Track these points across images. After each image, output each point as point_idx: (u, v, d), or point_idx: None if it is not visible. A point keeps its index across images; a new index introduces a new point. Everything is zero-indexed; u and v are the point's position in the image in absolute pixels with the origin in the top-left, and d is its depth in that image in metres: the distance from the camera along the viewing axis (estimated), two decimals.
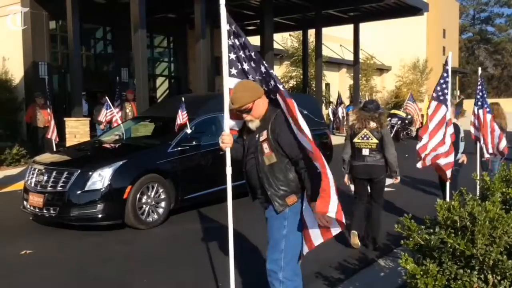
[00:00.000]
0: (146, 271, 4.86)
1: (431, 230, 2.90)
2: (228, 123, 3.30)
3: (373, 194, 5.52)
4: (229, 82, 3.27)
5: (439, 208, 2.99)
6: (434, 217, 3.11)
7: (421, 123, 19.44)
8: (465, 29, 66.71)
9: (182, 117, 7.09)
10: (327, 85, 30.19)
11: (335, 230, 3.03)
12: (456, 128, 6.13)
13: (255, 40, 22.70)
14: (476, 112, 7.00)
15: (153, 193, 6.60)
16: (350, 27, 21.29)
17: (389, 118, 17.64)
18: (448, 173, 5.59)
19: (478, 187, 4.61)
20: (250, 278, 4.41)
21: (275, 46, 20.75)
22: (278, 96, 3.09)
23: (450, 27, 46.57)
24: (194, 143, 7.05)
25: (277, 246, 3.12)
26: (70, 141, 12.22)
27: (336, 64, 32.66)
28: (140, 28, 11.39)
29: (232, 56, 3.27)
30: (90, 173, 6.22)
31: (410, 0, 18.62)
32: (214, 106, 7.46)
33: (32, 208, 6.46)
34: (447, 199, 5.48)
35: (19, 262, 5.22)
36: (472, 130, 7.12)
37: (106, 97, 11.12)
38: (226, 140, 3.19)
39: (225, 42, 3.23)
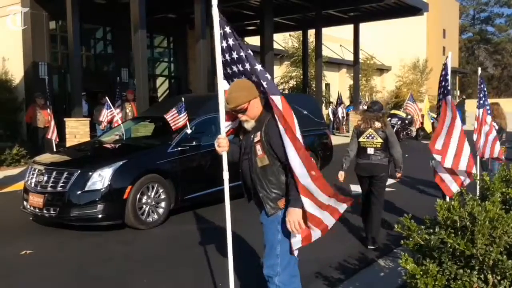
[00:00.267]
0: (146, 271, 4.86)
1: (431, 230, 2.90)
2: (224, 126, 3.27)
3: (374, 193, 5.63)
4: (223, 84, 3.26)
5: (439, 208, 2.99)
6: (434, 217, 3.11)
7: (421, 123, 19.45)
8: (465, 29, 66.73)
9: (180, 117, 7.08)
10: (327, 85, 30.20)
11: (315, 235, 3.05)
12: None
13: (255, 40, 22.75)
14: (477, 113, 6.96)
15: (153, 193, 6.60)
16: (350, 27, 21.29)
17: (389, 118, 17.63)
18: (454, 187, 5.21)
19: (478, 187, 4.61)
20: (249, 280, 4.41)
21: (275, 46, 20.76)
22: (270, 101, 3.03)
23: (450, 27, 46.59)
24: (194, 143, 7.05)
25: (273, 251, 3.09)
26: (70, 142, 12.22)
27: (336, 64, 32.66)
28: (140, 28, 11.39)
29: (227, 58, 3.24)
30: (90, 173, 6.22)
31: (410, 0, 18.62)
32: (214, 106, 7.39)
33: (32, 208, 6.46)
34: (447, 199, 5.48)
35: (19, 262, 5.22)
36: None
37: (106, 97, 11.12)
38: (223, 144, 3.16)
39: (218, 45, 3.19)
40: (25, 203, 6.64)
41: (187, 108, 7.13)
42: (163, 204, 6.72)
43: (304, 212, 2.95)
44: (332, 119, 24.12)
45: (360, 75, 24.58)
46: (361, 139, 5.61)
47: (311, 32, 21.83)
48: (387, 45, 38.93)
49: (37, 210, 6.39)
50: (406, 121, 19.42)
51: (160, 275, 4.76)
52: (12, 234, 6.32)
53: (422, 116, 19.51)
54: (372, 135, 5.55)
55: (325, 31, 21.54)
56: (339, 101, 24.79)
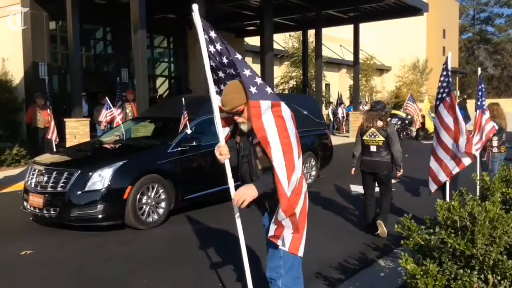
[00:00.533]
0: (146, 271, 4.86)
1: (431, 230, 2.90)
2: (222, 133, 3.19)
3: (381, 189, 6.11)
4: (214, 91, 3.20)
5: (439, 208, 2.99)
6: (434, 217, 3.11)
7: (421, 123, 19.46)
8: (465, 29, 66.73)
9: (183, 118, 7.10)
10: (327, 85, 30.21)
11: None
12: None
13: (255, 41, 22.76)
14: (476, 114, 6.97)
15: (153, 194, 6.60)
16: (350, 27, 21.28)
17: (389, 119, 17.63)
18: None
19: (478, 187, 4.61)
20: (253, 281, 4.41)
21: (275, 46, 20.75)
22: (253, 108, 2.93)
23: (450, 27, 46.60)
24: (194, 143, 7.05)
25: (276, 253, 3.05)
26: (70, 142, 12.21)
27: (336, 64, 32.68)
28: (140, 29, 11.38)
29: (217, 63, 3.18)
30: (90, 173, 6.22)
31: (410, 0, 18.61)
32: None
33: (32, 208, 6.46)
34: (447, 199, 5.48)
35: (19, 263, 5.22)
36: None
37: (106, 98, 11.13)
38: (224, 152, 3.08)
39: (204, 50, 3.12)
40: (25, 203, 6.64)
41: (187, 109, 7.12)
42: (163, 204, 6.72)
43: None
44: (332, 119, 24.13)
45: (360, 75, 24.58)
46: (364, 138, 5.99)
47: (311, 32, 21.83)
48: (387, 45, 38.96)
49: (37, 210, 6.39)
50: (406, 121, 19.44)
51: (160, 275, 4.76)
52: (12, 234, 6.32)
53: (422, 116, 19.54)
54: (374, 134, 5.90)
55: (325, 31, 21.53)
56: (340, 101, 24.81)
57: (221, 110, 3.18)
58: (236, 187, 3.29)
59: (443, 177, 5.66)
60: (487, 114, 7.08)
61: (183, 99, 7.28)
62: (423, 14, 20.83)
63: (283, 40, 27.19)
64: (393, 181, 6.01)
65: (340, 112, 24.24)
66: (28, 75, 15.12)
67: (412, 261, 2.65)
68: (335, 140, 15.86)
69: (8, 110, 14.81)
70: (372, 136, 5.92)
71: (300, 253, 3.00)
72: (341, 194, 8.79)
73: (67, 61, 16.27)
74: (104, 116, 10.69)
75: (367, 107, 26.33)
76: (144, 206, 6.49)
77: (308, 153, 9.37)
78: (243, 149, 3.17)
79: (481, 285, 2.56)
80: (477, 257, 2.59)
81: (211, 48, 3.15)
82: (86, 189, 6.18)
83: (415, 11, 19.90)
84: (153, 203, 6.60)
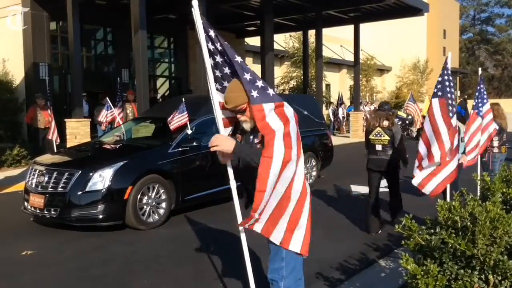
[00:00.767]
0: (146, 271, 4.87)
1: (432, 231, 2.90)
2: (223, 131, 3.17)
3: (390, 186, 6.36)
4: (216, 93, 3.18)
5: (439, 209, 2.99)
6: (435, 217, 3.11)
7: (422, 123, 19.46)
8: (465, 29, 66.72)
9: (181, 117, 7.09)
10: (328, 85, 30.22)
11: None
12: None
13: (255, 41, 22.77)
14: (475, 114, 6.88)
15: (153, 194, 6.61)
16: (351, 27, 21.29)
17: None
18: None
19: (478, 187, 4.61)
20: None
21: (276, 46, 20.75)
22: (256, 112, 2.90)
23: (451, 27, 46.60)
24: (194, 143, 7.06)
25: (279, 254, 3.03)
26: (70, 142, 12.22)
27: (336, 64, 32.70)
28: (140, 29, 11.39)
29: (217, 60, 3.16)
30: (91, 173, 6.23)
31: (410, 1, 18.62)
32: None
33: (33, 209, 6.47)
34: (448, 199, 5.48)
35: (20, 263, 5.22)
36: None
37: (107, 98, 11.13)
38: (226, 154, 3.03)
39: (204, 46, 3.10)
40: (26, 203, 6.65)
41: (187, 109, 7.13)
42: (163, 204, 6.72)
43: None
44: (332, 119, 24.14)
45: (360, 76, 24.60)
46: (370, 137, 6.21)
47: (312, 33, 21.84)
48: (388, 45, 38.97)
49: (38, 211, 6.39)
50: (407, 122, 19.43)
51: (160, 276, 4.76)
52: (13, 235, 6.32)
53: (423, 116, 19.53)
54: (380, 133, 6.12)
55: (326, 31, 21.54)
56: (340, 102, 24.82)
57: (223, 108, 3.18)
58: (237, 188, 3.29)
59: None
60: (488, 117, 6.98)
61: (183, 99, 7.29)
62: (423, 14, 20.83)
63: (283, 41, 27.21)
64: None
65: (341, 112, 24.25)
66: (28, 76, 15.13)
67: (412, 261, 2.65)
68: (336, 140, 15.86)
69: (8, 110, 14.82)
70: (378, 135, 6.13)
71: (297, 249, 2.97)
72: (342, 195, 8.79)
73: (67, 61, 16.28)
74: (104, 116, 10.69)
75: (367, 107, 26.43)
76: (145, 207, 6.49)
77: (308, 154, 9.37)
78: None
79: (481, 285, 2.56)
80: (478, 257, 2.59)
81: (211, 46, 3.13)
82: (87, 189, 6.18)
83: (415, 11, 19.91)
84: (154, 203, 6.60)
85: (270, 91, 2.92)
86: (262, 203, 2.81)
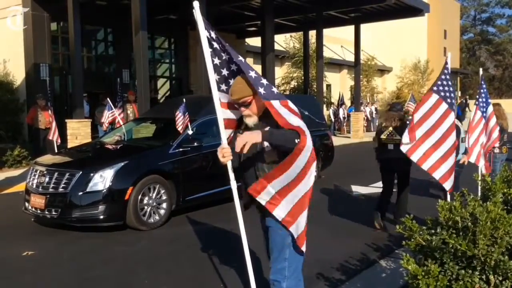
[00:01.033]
0: (147, 272, 4.87)
1: (433, 231, 2.90)
2: (224, 135, 3.15)
3: (399, 183, 6.45)
4: (216, 88, 3.15)
5: (440, 209, 2.99)
6: (436, 217, 3.11)
7: None
8: (466, 29, 66.70)
9: (181, 118, 7.10)
10: (328, 86, 30.22)
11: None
12: (457, 128, 6.11)
13: (256, 41, 22.76)
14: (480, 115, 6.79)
15: (154, 194, 6.61)
16: (351, 28, 21.29)
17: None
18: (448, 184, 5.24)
19: (479, 187, 4.61)
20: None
21: (276, 47, 20.75)
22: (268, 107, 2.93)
23: (451, 28, 46.57)
24: (195, 144, 7.06)
25: (282, 255, 3.02)
26: (71, 143, 12.22)
27: (337, 65, 32.69)
28: (141, 29, 11.39)
29: (224, 58, 3.16)
30: (92, 174, 6.23)
31: (411, 1, 18.61)
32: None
33: (33, 209, 6.47)
34: (448, 199, 5.47)
35: (20, 263, 5.22)
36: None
37: (108, 99, 11.14)
38: (227, 154, 3.02)
39: (206, 47, 3.09)
40: (26, 204, 6.65)
41: (188, 109, 7.13)
42: (164, 205, 6.72)
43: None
44: (333, 120, 24.14)
45: (361, 76, 24.60)
46: (382, 136, 6.31)
47: (312, 33, 21.84)
48: (388, 46, 38.95)
49: (39, 211, 6.40)
50: (408, 122, 19.41)
51: (161, 276, 4.76)
52: (13, 235, 6.33)
53: None
54: (392, 133, 6.23)
55: (326, 32, 21.54)
56: (341, 102, 24.83)
57: (227, 107, 3.17)
58: (238, 188, 3.29)
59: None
60: (493, 120, 6.93)
61: (184, 100, 7.29)
62: (424, 14, 20.82)
63: (283, 41, 27.22)
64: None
65: (341, 112, 24.26)
66: (29, 76, 15.14)
67: (413, 262, 2.65)
68: (336, 140, 15.86)
69: (9, 111, 14.83)
70: (390, 135, 6.25)
71: (295, 233, 2.99)
72: (343, 195, 8.79)
73: (68, 62, 16.30)
74: (105, 117, 10.69)
75: (368, 108, 26.44)
76: (146, 207, 6.50)
77: None
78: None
79: (482, 286, 2.56)
80: (479, 258, 2.59)
81: (213, 46, 3.13)
82: (88, 190, 6.19)
83: (416, 11, 19.90)
84: (155, 204, 6.60)
85: (274, 90, 2.97)
86: (278, 180, 2.86)
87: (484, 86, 6.94)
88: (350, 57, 28.72)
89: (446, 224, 2.91)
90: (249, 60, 25.07)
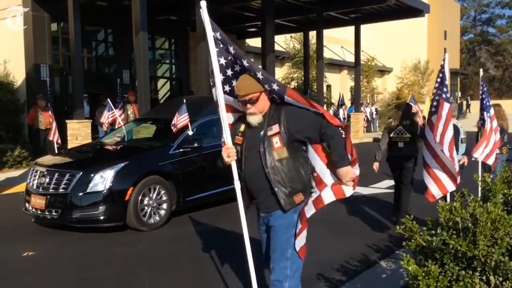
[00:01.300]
0: (147, 272, 4.87)
1: (433, 232, 2.90)
2: (229, 134, 3.14)
3: (403, 180, 6.56)
4: (221, 88, 3.16)
5: (441, 210, 2.99)
6: (436, 218, 3.11)
7: (423, 124, 19.43)
8: (466, 30, 66.68)
9: (182, 119, 7.10)
10: (328, 86, 30.21)
11: (349, 190, 3.15)
12: (456, 129, 6.11)
13: (256, 42, 22.76)
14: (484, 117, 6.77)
15: (154, 195, 6.61)
16: (351, 28, 21.29)
17: (391, 120, 17.62)
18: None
19: (479, 188, 4.61)
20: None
21: (277, 47, 20.76)
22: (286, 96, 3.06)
23: (451, 28, 46.54)
24: (195, 144, 7.05)
25: (283, 254, 3.03)
26: (71, 143, 12.23)
27: (337, 65, 32.69)
28: (141, 30, 11.40)
29: (229, 59, 3.17)
30: (92, 175, 6.23)
31: (411, 2, 18.61)
32: (216, 108, 7.45)
33: (34, 210, 6.47)
34: (448, 200, 5.47)
35: (21, 264, 5.23)
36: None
37: (108, 99, 11.15)
38: (232, 154, 3.04)
39: (212, 47, 3.11)
40: (27, 205, 6.65)
41: (188, 110, 7.13)
42: (164, 205, 6.72)
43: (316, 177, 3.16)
44: None
45: (361, 77, 24.60)
46: (392, 135, 6.48)
47: (312, 34, 21.85)
48: (388, 46, 38.94)
49: (39, 212, 6.40)
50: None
51: (162, 277, 4.76)
52: (14, 236, 6.33)
53: (423, 117, 19.53)
54: (402, 131, 6.43)
55: (326, 32, 21.54)
56: (341, 103, 24.83)
57: (231, 110, 3.17)
58: (232, 190, 3.27)
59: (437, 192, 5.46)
60: (495, 123, 6.93)
61: (184, 100, 7.29)
62: (424, 15, 20.82)
63: (284, 42, 27.22)
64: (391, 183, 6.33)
65: (342, 113, 24.26)
66: (29, 77, 15.14)
67: (414, 263, 2.65)
68: None
69: (10, 111, 14.84)
70: (400, 133, 6.43)
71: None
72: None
73: (68, 62, 16.29)
74: (106, 117, 10.69)
75: (368, 109, 26.43)
76: (146, 208, 6.50)
77: None
78: (248, 145, 3.11)
79: (483, 287, 2.56)
80: (479, 259, 2.59)
81: (219, 47, 3.14)
82: (88, 190, 6.19)
83: (416, 12, 19.90)
84: (155, 204, 6.60)
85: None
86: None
87: (485, 88, 6.90)
88: (350, 58, 28.72)
89: (447, 224, 2.91)
90: None
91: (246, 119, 3.16)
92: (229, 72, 3.21)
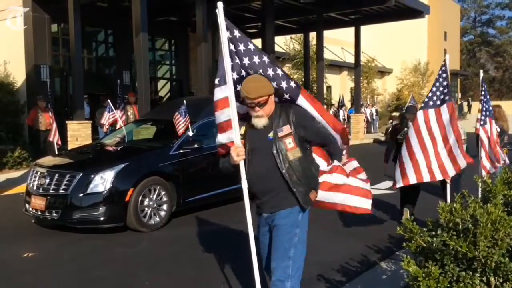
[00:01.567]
0: (148, 273, 4.87)
1: (433, 233, 2.90)
2: (238, 133, 3.09)
3: None
4: (233, 88, 3.11)
5: (441, 211, 2.99)
6: (436, 219, 3.11)
7: None
8: (466, 31, 66.68)
9: (182, 120, 7.10)
10: (329, 87, 30.21)
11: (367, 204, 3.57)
12: None
13: (256, 43, 22.71)
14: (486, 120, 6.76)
15: (155, 196, 6.61)
16: (352, 29, 21.30)
17: (390, 121, 17.64)
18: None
19: (480, 189, 4.61)
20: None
21: (277, 48, 20.76)
22: (300, 95, 3.22)
23: (451, 29, 46.55)
24: (196, 145, 7.06)
25: (286, 253, 3.03)
26: (72, 144, 12.23)
27: (337, 66, 32.67)
28: (141, 31, 11.40)
29: (233, 62, 3.15)
30: (92, 175, 6.23)
31: (411, 3, 18.62)
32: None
33: (34, 211, 6.47)
34: (449, 201, 5.48)
35: (21, 265, 5.23)
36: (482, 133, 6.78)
37: (108, 100, 11.15)
38: (242, 153, 3.02)
39: (226, 48, 3.08)
40: (27, 205, 6.66)
41: (188, 111, 7.13)
42: (165, 206, 6.72)
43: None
44: None
45: (361, 78, 24.60)
46: (398, 136, 6.67)
47: (313, 35, 21.86)
48: (388, 47, 38.92)
49: (39, 213, 6.40)
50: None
51: (162, 277, 4.76)
52: (14, 237, 6.33)
53: None
54: (407, 133, 6.45)
55: (327, 33, 21.55)
56: (341, 104, 24.83)
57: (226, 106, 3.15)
58: (238, 190, 3.26)
59: (413, 179, 5.76)
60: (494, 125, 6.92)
61: (184, 101, 7.29)
62: (424, 16, 20.83)
63: (284, 43, 27.22)
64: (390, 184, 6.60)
65: (342, 114, 24.26)
66: (30, 78, 15.14)
67: (414, 264, 2.65)
68: None
69: (10, 112, 14.82)
70: (406, 135, 6.56)
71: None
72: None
73: (69, 63, 16.30)
74: (106, 118, 10.69)
75: (368, 110, 26.43)
76: (146, 209, 6.49)
77: None
78: (255, 147, 3.10)
79: None
80: (479, 260, 2.59)
81: (232, 47, 3.12)
82: (88, 191, 6.19)
83: (416, 13, 19.91)
84: (155, 205, 6.60)
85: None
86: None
87: (486, 91, 6.85)
88: (351, 59, 28.72)
89: (447, 225, 2.91)
90: None
91: (245, 121, 3.16)
92: (243, 73, 3.17)
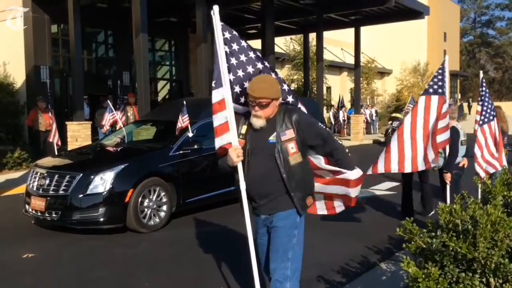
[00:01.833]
0: (147, 274, 4.87)
1: (433, 234, 2.90)
2: (236, 134, 3.10)
3: (420, 177, 7.15)
4: (229, 90, 3.12)
5: (441, 212, 2.99)
6: (436, 220, 3.11)
7: None
8: (466, 32, 66.73)
9: (183, 120, 7.11)
10: (328, 88, 30.21)
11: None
12: (456, 131, 6.11)
13: (256, 44, 22.76)
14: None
15: (154, 197, 6.61)
16: (351, 30, 21.31)
17: (390, 122, 17.61)
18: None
19: (479, 190, 4.61)
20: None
21: (277, 49, 20.75)
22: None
23: (451, 30, 46.58)
24: (195, 146, 7.06)
25: (285, 255, 3.03)
26: (71, 145, 12.23)
27: (337, 67, 32.67)
28: (141, 32, 11.41)
29: (230, 63, 3.15)
30: (92, 176, 6.23)
31: (411, 4, 18.64)
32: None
33: (34, 211, 6.47)
34: (448, 202, 5.48)
35: (20, 265, 5.22)
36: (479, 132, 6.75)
37: (108, 101, 11.15)
38: (241, 154, 3.02)
39: (222, 51, 3.09)
40: (27, 206, 6.65)
41: (188, 112, 7.13)
42: (164, 207, 6.72)
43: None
44: (333, 122, 24.14)
45: (361, 78, 24.61)
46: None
47: (313, 36, 21.86)
48: (388, 48, 38.94)
49: (39, 214, 6.39)
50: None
51: (161, 278, 4.76)
52: (13, 238, 6.32)
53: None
54: None
55: (326, 34, 21.56)
56: (341, 104, 24.84)
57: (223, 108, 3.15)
58: (236, 192, 3.26)
59: (395, 167, 5.86)
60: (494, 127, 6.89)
61: (184, 102, 7.29)
62: (424, 17, 20.85)
63: (284, 44, 27.22)
64: (396, 184, 6.60)
65: (341, 115, 24.27)
66: (29, 78, 15.14)
67: (413, 265, 2.65)
68: None
69: (10, 113, 14.82)
70: None
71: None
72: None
73: (68, 64, 16.30)
74: (106, 119, 10.69)
75: (368, 110, 26.43)
76: (146, 209, 6.49)
77: None
78: (254, 149, 3.09)
79: None
80: (479, 261, 2.59)
81: (227, 49, 3.13)
82: (88, 192, 6.19)
83: (416, 14, 19.92)
84: (155, 206, 6.60)
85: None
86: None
87: (487, 92, 6.84)
88: (350, 60, 28.73)
89: (447, 226, 2.91)
90: None
91: (247, 119, 3.15)
92: (240, 73, 3.19)
